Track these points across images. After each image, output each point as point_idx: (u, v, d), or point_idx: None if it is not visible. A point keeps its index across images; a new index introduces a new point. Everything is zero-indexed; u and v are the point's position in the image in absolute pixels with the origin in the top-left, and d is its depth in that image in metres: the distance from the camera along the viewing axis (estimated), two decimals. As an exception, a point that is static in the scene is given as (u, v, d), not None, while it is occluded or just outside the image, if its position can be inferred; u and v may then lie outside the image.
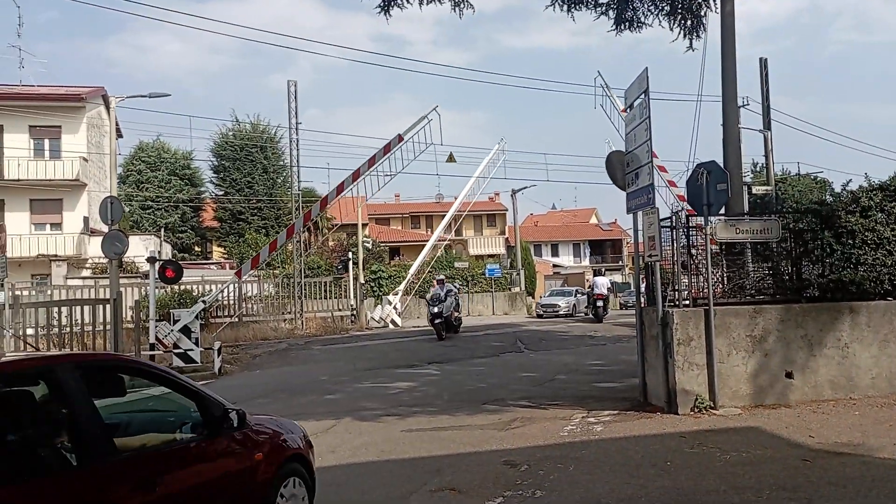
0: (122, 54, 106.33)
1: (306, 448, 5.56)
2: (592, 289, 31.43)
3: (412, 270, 36.90)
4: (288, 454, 5.23)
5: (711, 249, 9.77)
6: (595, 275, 38.17)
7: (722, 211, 10.32)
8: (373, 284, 38.55)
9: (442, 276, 25.72)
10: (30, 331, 16.29)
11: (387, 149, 24.16)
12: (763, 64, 25.38)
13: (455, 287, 24.22)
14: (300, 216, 24.81)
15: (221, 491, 4.54)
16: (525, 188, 47.93)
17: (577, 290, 40.05)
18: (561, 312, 35.52)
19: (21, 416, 3.69)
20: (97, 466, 3.72)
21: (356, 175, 24.09)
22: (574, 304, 36.78)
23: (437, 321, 21.88)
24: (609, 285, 32.86)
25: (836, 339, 9.67)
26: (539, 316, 35.96)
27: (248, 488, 4.76)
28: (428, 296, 23.42)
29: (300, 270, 29.86)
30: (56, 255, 31.61)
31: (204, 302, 20.12)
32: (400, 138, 24.29)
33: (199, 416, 4.60)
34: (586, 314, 34.70)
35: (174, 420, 4.72)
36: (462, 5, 13.41)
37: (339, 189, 24.51)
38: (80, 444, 3.75)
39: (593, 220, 76.18)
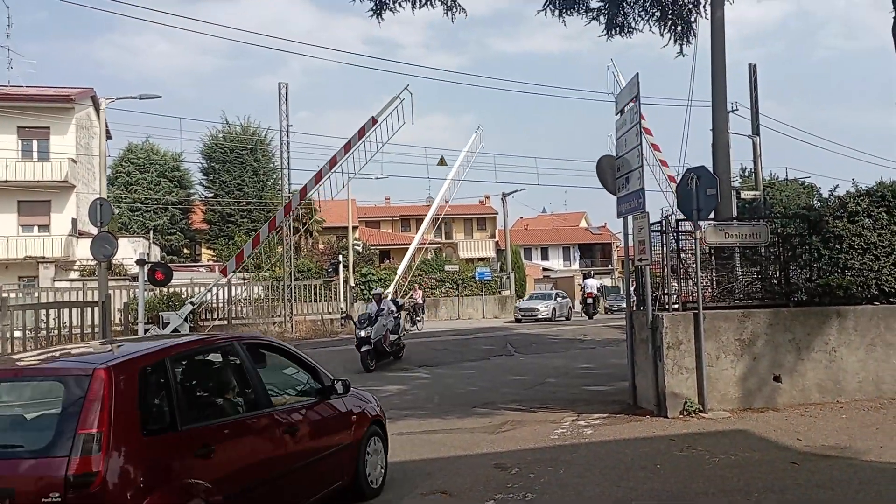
0: (111, 55, 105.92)
1: (382, 414, 7.09)
2: (584, 289, 36.56)
3: (399, 273, 37.00)
4: (371, 418, 6.74)
5: (701, 254, 9.83)
6: (585, 277, 41.97)
7: (711, 216, 10.39)
8: (363, 287, 38.52)
9: (380, 291, 20.53)
10: (17, 333, 16.16)
11: (361, 132, 23.74)
12: (752, 70, 25.60)
13: (395, 306, 18.60)
14: (285, 212, 24.55)
15: (328, 441, 6.01)
16: (515, 192, 48.02)
17: (557, 294, 39.26)
18: (540, 316, 34.74)
19: (214, 377, 5.43)
20: (261, 413, 5.28)
21: (333, 161, 23.62)
22: (554, 308, 35.99)
23: (362, 348, 16.23)
24: (599, 286, 38.31)
25: (823, 342, 9.76)
26: (517, 320, 35.07)
27: (347, 441, 6.26)
28: (356, 316, 18.78)
29: (290, 273, 29.80)
30: (44, 257, 31.39)
31: (192, 303, 20.08)
32: (374, 121, 23.81)
33: (315, 384, 6.17)
34: (567, 317, 35.49)
35: (299, 385, 6.21)
36: (454, 9, 13.47)
37: (318, 177, 24.04)
38: (250, 397, 5.31)
39: (583, 224, 76.39)
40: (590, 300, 35.07)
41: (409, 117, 24.16)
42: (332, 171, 23.57)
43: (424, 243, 40.82)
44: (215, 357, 5.45)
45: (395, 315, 18.12)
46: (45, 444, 3.99)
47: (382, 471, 6.81)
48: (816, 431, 8.30)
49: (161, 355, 4.75)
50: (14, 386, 4.53)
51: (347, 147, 23.54)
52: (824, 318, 9.82)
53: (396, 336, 17.90)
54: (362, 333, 16.32)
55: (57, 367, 4.65)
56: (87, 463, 3.89)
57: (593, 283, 36.69)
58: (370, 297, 20.60)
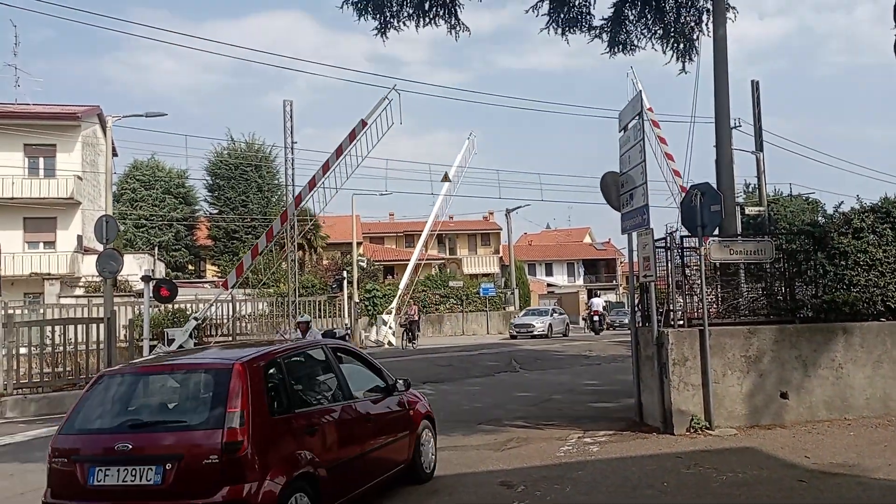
0: (118, 73, 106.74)
1: (431, 411, 8.19)
2: (590, 308, 39.77)
3: (400, 289, 37.03)
4: (424, 413, 7.87)
5: (706, 270, 9.83)
6: (591, 296, 46.27)
7: (716, 232, 10.40)
8: (367, 303, 38.53)
9: (307, 318, 16.78)
10: (23, 350, 16.18)
11: (352, 136, 23.39)
12: (755, 87, 25.68)
13: (333, 337, 15.76)
14: (282, 221, 24.28)
15: (394, 429, 7.14)
16: (519, 207, 48.08)
17: (553, 310, 39.17)
18: (535, 333, 34.55)
19: (312, 372, 6.67)
20: (346, 403, 6.52)
21: (326, 167, 23.29)
22: (550, 325, 35.76)
23: None
24: (604, 304, 41.68)
25: (830, 359, 9.72)
26: (513, 336, 34.92)
27: (407, 430, 7.38)
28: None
29: (294, 289, 29.82)
30: (49, 274, 31.48)
31: (196, 319, 20.01)
32: (364, 123, 23.47)
33: (381, 382, 7.29)
34: (564, 334, 35.58)
35: (369, 382, 7.23)
36: (458, 28, 13.56)
37: (312, 184, 23.69)
38: (337, 390, 6.59)
39: (587, 240, 76.37)
40: (596, 318, 38.36)
41: (398, 118, 23.75)
42: (326, 176, 23.30)
43: (423, 259, 40.70)
44: (310, 357, 6.77)
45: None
46: (203, 420, 5.23)
47: (433, 458, 7.93)
48: (824, 449, 8.25)
49: (274, 355, 6.02)
50: (171, 377, 5.91)
51: (339, 152, 23.26)
52: (830, 335, 9.79)
53: None
54: None
55: (205, 363, 5.96)
56: (234, 433, 5.08)
57: (599, 302, 40.66)
58: (297, 325, 15.73)
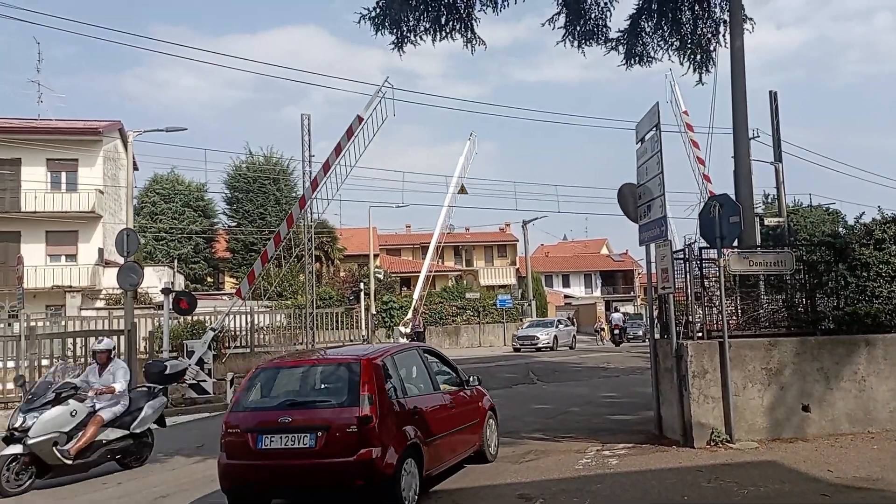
0: (139, 88, 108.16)
1: (494, 405, 9.84)
2: (611, 322, 43.09)
3: (414, 301, 37.11)
4: (489, 406, 9.55)
5: (725, 281, 9.77)
6: (609, 309, 50.03)
7: (735, 243, 10.34)
8: (384, 315, 38.60)
9: (107, 345, 10.64)
10: (45, 361, 16.38)
11: (350, 133, 23.13)
12: (773, 97, 25.53)
13: (156, 378, 11.17)
14: (288, 225, 24.26)
15: (468, 417, 8.82)
16: (536, 219, 48.01)
17: (558, 321, 38.13)
18: (540, 345, 33.52)
19: (412, 368, 8.37)
20: (436, 393, 8.38)
21: (327, 166, 23.13)
22: (556, 336, 34.67)
23: (7, 449, 9.16)
24: (624, 318, 43.63)
25: (852, 372, 9.61)
26: (516, 349, 33.91)
27: (476, 419, 9.07)
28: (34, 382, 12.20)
29: (312, 301, 29.93)
30: (71, 286, 31.87)
31: (213, 329, 20.04)
32: (360, 119, 23.30)
33: (456, 378, 9.07)
34: (571, 346, 35.14)
35: (448, 377, 8.99)
36: (474, 41, 13.61)
37: (314, 185, 23.63)
38: (429, 382, 8.38)
39: (604, 251, 76.04)
40: (616, 331, 41.12)
41: (392, 111, 23.47)
42: (327, 176, 23.16)
43: (433, 270, 40.68)
44: (410, 356, 8.47)
45: (126, 394, 10.25)
46: (344, 400, 7.03)
47: (497, 443, 9.65)
48: (847, 463, 8.15)
49: (387, 353, 7.84)
50: (316, 368, 7.82)
51: (338, 150, 22.95)
52: (853, 347, 9.68)
53: (124, 432, 10.06)
54: (19, 422, 9.18)
55: (340, 358, 7.93)
56: (366, 411, 6.84)
57: (619, 317, 43.21)
58: (93, 354, 11.06)
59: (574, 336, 37.87)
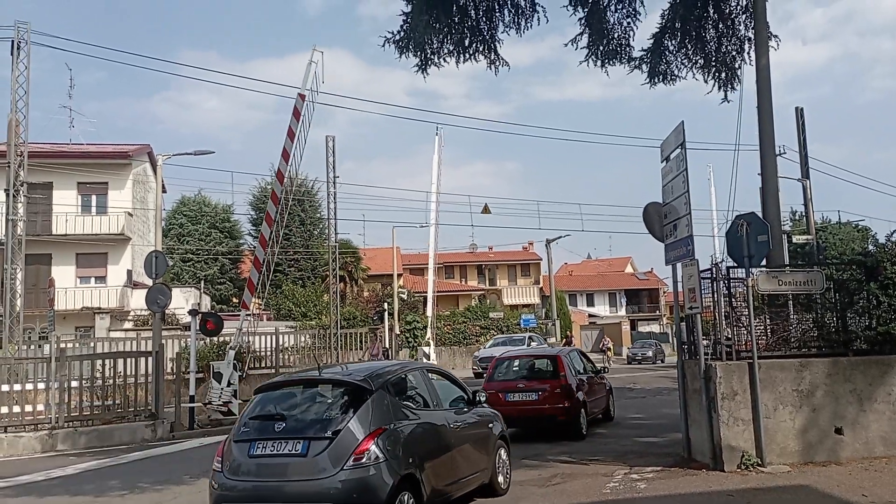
0: (168, 111, 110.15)
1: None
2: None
3: (429, 321, 36.97)
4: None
5: (753, 301, 9.64)
6: (633, 328, 47.78)
7: (763, 262, 10.21)
8: (408, 335, 38.60)
9: None
10: (74, 383, 16.55)
11: (297, 114, 22.51)
12: (799, 113, 25.31)
13: None
14: (274, 203, 23.76)
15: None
16: (559, 238, 47.77)
17: (530, 338, 33.72)
18: None
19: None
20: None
21: (286, 154, 22.61)
22: None
23: None
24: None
25: (886, 393, 9.40)
26: (476, 374, 29.89)
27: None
28: None
29: (336, 321, 30.04)
30: (100, 308, 32.33)
31: (232, 348, 20.02)
32: (302, 97, 22.55)
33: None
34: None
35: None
36: (497, 63, 13.71)
37: (285, 155, 22.42)
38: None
39: (629, 270, 75.48)
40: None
41: (322, 78, 22.68)
42: (289, 164, 22.49)
43: (437, 291, 40.23)
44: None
45: None
46: (554, 375, 13.27)
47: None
48: (883, 487, 7.94)
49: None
50: (531, 361, 14.04)
51: (291, 133, 22.18)
52: (886, 368, 9.48)
53: None
54: None
55: (545, 354, 14.87)
56: (565, 380, 13.05)
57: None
58: None
59: None
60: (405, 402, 7.32)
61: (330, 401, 6.99)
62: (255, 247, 23.91)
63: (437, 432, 7.41)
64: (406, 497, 6.47)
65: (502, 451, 8.74)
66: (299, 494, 6.28)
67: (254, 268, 22.16)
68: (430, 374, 8.25)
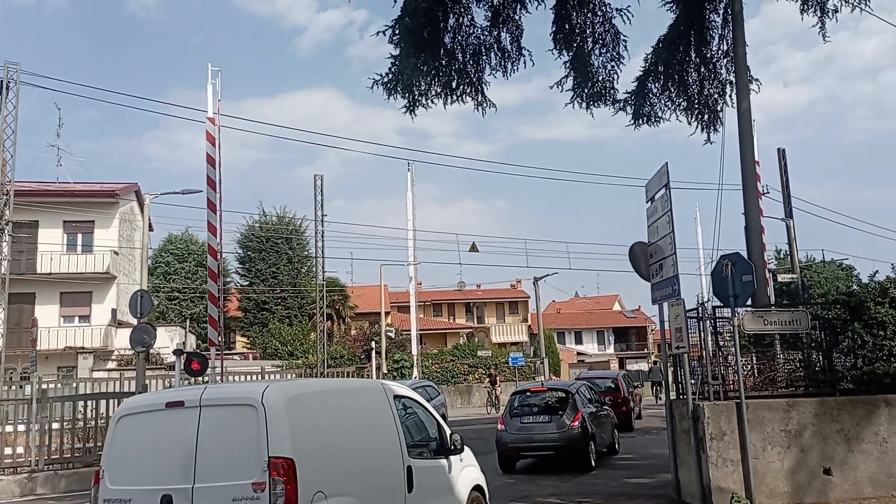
0: (158, 150, 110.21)
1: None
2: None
3: (414, 359, 36.80)
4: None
5: (740, 340, 9.68)
6: (622, 366, 45.74)
7: (749, 302, 10.28)
8: (395, 373, 38.26)
9: None
10: (55, 425, 16.26)
11: (211, 139, 19.65)
12: (781, 154, 25.72)
13: None
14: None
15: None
16: (547, 276, 47.77)
17: (426, 386, 26.95)
18: None
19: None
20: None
21: (211, 182, 21.27)
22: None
23: None
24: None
25: (873, 433, 9.42)
26: None
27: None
28: None
29: (324, 360, 29.81)
30: (83, 348, 31.92)
31: (211, 386, 19.60)
32: (212, 121, 20.39)
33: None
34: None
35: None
36: (484, 104, 13.92)
37: (211, 183, 20.69)
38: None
39: (617, 307, 75.53)
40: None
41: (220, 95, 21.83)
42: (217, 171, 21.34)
43: (421, 329, 40.09)
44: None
45: None
46: (616, 388, 21.72)
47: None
48: (873, 529, 7.91)
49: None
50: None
51: (210, 160, 21.20)
52: (873, 408, 9.51)
53: None
54: None
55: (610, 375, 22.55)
56: (624, 393, 21.61)
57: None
58: None
59: (444, 405, 25.75)
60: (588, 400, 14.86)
61: (554, 398, 14.42)
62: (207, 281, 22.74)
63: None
64: (592, 446, 13.60)
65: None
66: (544, 440, 13.50)
67: (210, 303, 21.33)
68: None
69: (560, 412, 13.71)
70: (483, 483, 7.67)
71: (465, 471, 7.38)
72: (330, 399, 6.09)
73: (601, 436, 14.53)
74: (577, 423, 13.40)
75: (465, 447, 7.45)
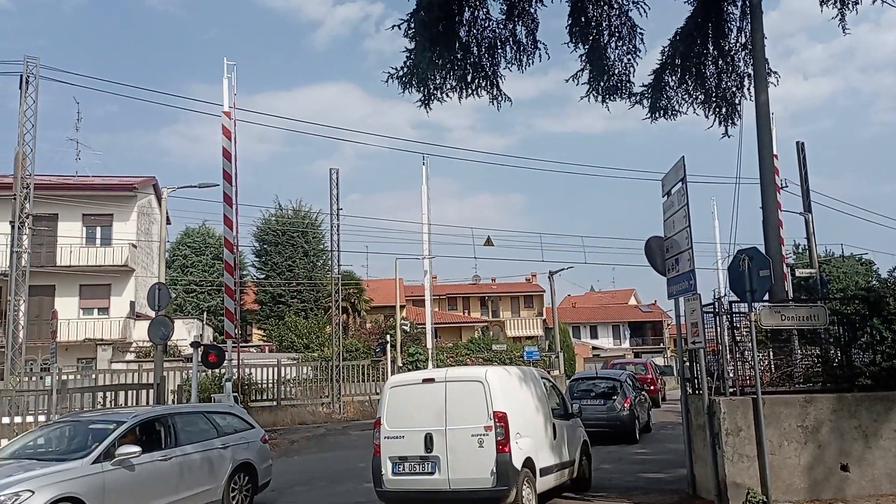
0: (176, 144, 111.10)
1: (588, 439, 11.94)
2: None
3: (429, 353, 36.70)
4: (585, 438, 11.52)
5: (757, 336, 9.61)
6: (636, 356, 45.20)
7: (766, 297, 10.20)
8: (410, 367, 38.33)
9: None
10: (75, 415, 16.45)
11: (227, 133, 20.66)
12: (800, 148, 25.42)
13: None
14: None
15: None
16: (562, 270, 47.59)
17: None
18: None
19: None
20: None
21: (227, 176, 20.97)
22: None
23: None
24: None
25: (891, 429, 9.34)
26: None
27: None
28: None
29: (338, 353, 29.93)
30: (102, 339, 32.27)
31: (228, 380, 19.82)
32: (227, 115, 20.76)
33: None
34: None
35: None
36: (499, 98, 13.82)
37: (227, 177, 21.18)
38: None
39: (632, 302, 75.23)
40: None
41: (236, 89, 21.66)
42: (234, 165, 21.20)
43: (436, 322, 39.69)
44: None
45: None
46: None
47: None
48: (891, 526, 7.85)
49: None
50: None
51: (227, 154, 20.94)
52: (891, 404, 9.42)
53: None
54: None
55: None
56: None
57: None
58: None
59: None
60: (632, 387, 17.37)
61: (606, 385, 17.01)
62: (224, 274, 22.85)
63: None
64: (637, 423, 16.56)
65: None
66: (599, 419, 15.34)
67: (226, 296, 21.49)
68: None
69: (613, 397, 16.87)
70: (587, 440, 11.10)
71: (578, 430, 11.02)
72: (518, 378, 9.42)
73: (641, 416, 17.88)
74: (627, 405, 16.69)
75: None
